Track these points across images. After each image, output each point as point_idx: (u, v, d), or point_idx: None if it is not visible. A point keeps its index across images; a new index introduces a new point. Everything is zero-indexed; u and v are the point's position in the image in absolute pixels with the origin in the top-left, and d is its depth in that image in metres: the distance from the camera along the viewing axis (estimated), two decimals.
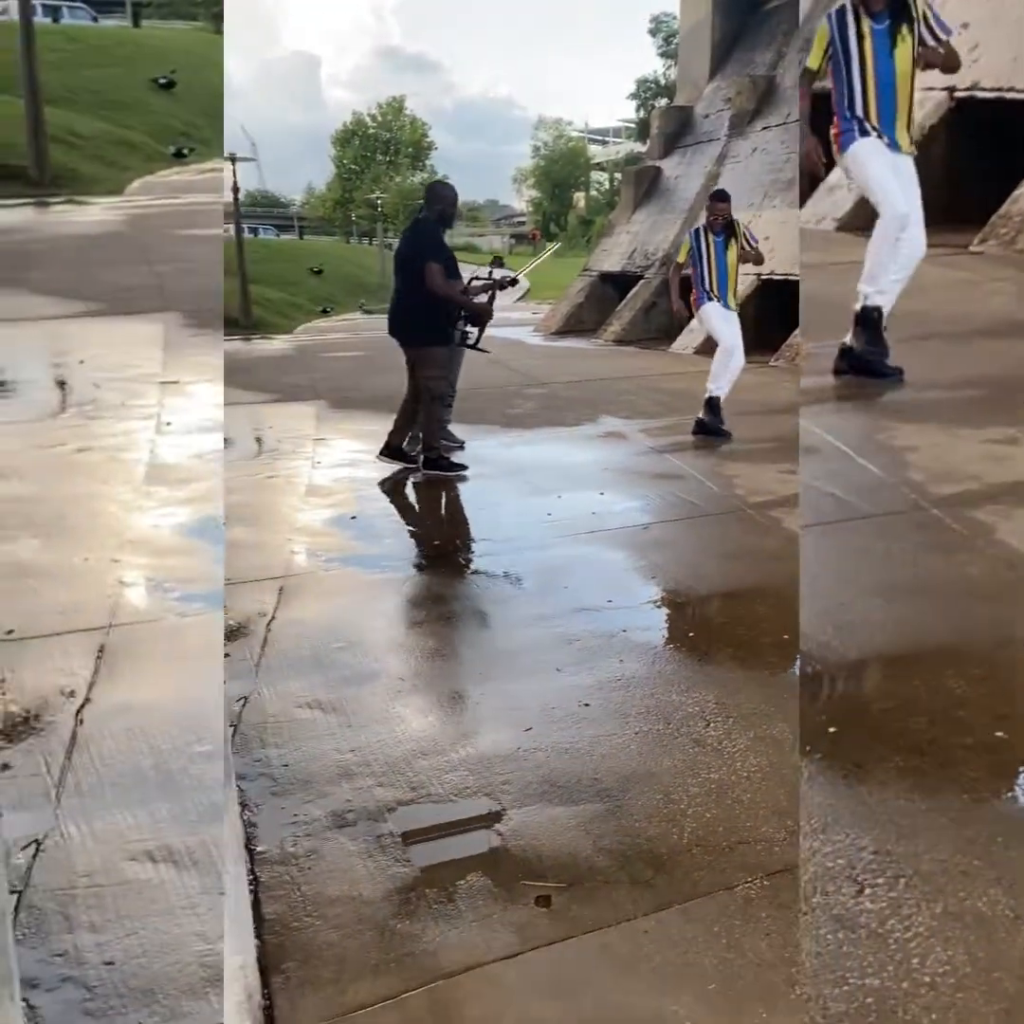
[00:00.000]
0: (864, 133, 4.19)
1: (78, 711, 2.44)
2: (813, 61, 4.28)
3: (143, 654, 2.81)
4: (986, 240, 6.68)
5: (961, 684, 2.34)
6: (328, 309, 20.69)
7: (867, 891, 1.74)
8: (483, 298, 5.35)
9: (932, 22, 4.14)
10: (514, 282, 5.69)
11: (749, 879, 1.94)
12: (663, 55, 35.26)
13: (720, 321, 5.95)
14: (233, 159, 17.32)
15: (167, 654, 2.86)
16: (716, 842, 2.05)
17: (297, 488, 4.96)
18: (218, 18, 24.16)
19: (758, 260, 6.14)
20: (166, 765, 2.21)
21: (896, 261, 4.34)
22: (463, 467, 5.19)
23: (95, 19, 23.40)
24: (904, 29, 4.09)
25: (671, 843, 2.06)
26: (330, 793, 2.26)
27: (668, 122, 13.59)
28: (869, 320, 4.45)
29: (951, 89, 7.97)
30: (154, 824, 2.01)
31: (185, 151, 15.59)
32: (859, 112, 4.18)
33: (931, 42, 4.13)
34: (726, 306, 5.90)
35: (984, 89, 7.74)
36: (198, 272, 8.10)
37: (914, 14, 4.10)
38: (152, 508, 3.84)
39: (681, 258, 6.01)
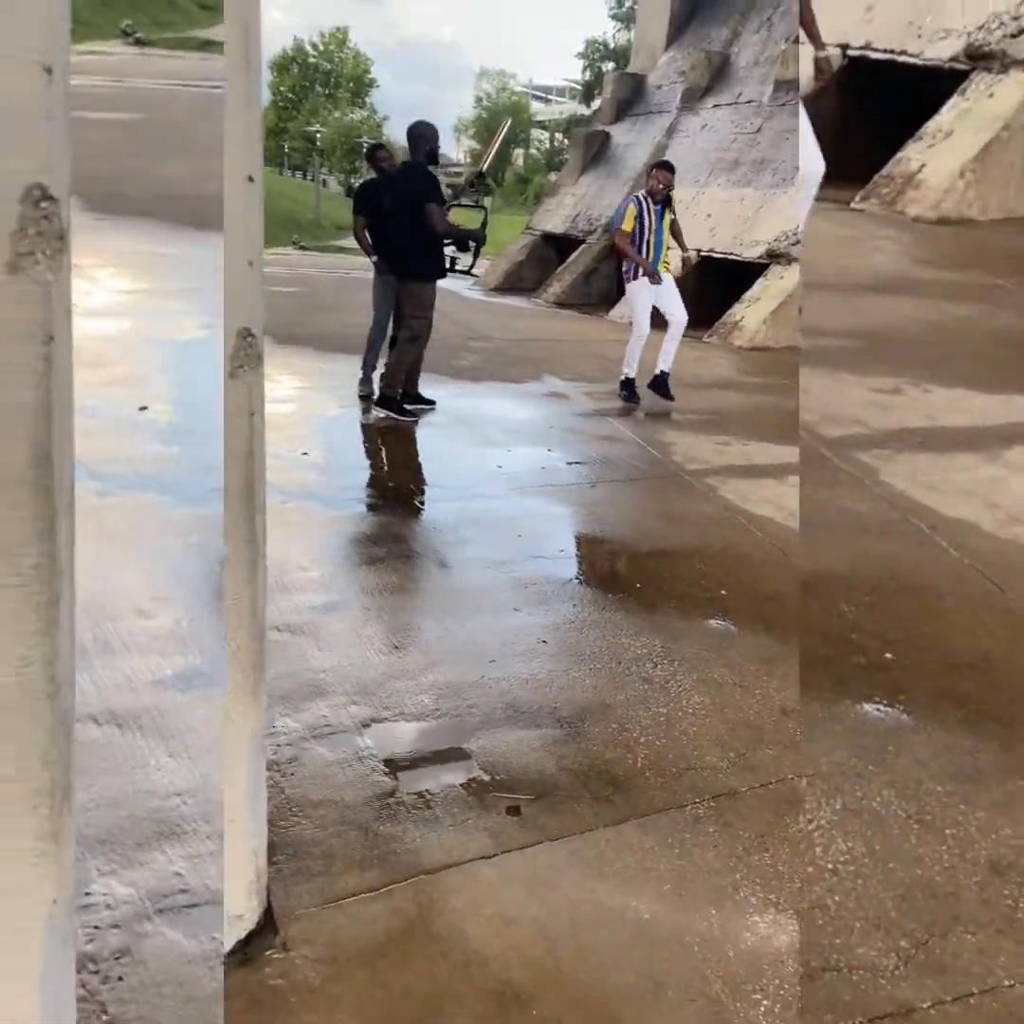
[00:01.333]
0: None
1: None
2: (626, 224, 6.07)
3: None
4: (867, 198, 6.97)
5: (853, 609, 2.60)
6: None
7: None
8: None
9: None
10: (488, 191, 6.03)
11: (697, 800, 2.15)
12: (614, 18, 35.04)
13: (643, 301, 6.09)
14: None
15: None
16: (667, 767, 2.26)
17: None
18: None
19: (679, 239, 6.33)
20: None
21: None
22: (413, 416, 5.25)
23: None
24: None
25: (626, 766, 2.25)
26: (306, 709, 2.37)
27: (621, 88, 13.62)
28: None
29: (845, 47, 8.17)
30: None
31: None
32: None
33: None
34: (656, 272, 6.05)
35: (877, 50, 7.95)
36: (91, 156, 7.79)
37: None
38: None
39: (627, 226, 6.05)
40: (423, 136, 5.30)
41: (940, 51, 7.43)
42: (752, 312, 8.39)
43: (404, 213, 5.19)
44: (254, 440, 1.33)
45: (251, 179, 1.20)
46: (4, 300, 0.78)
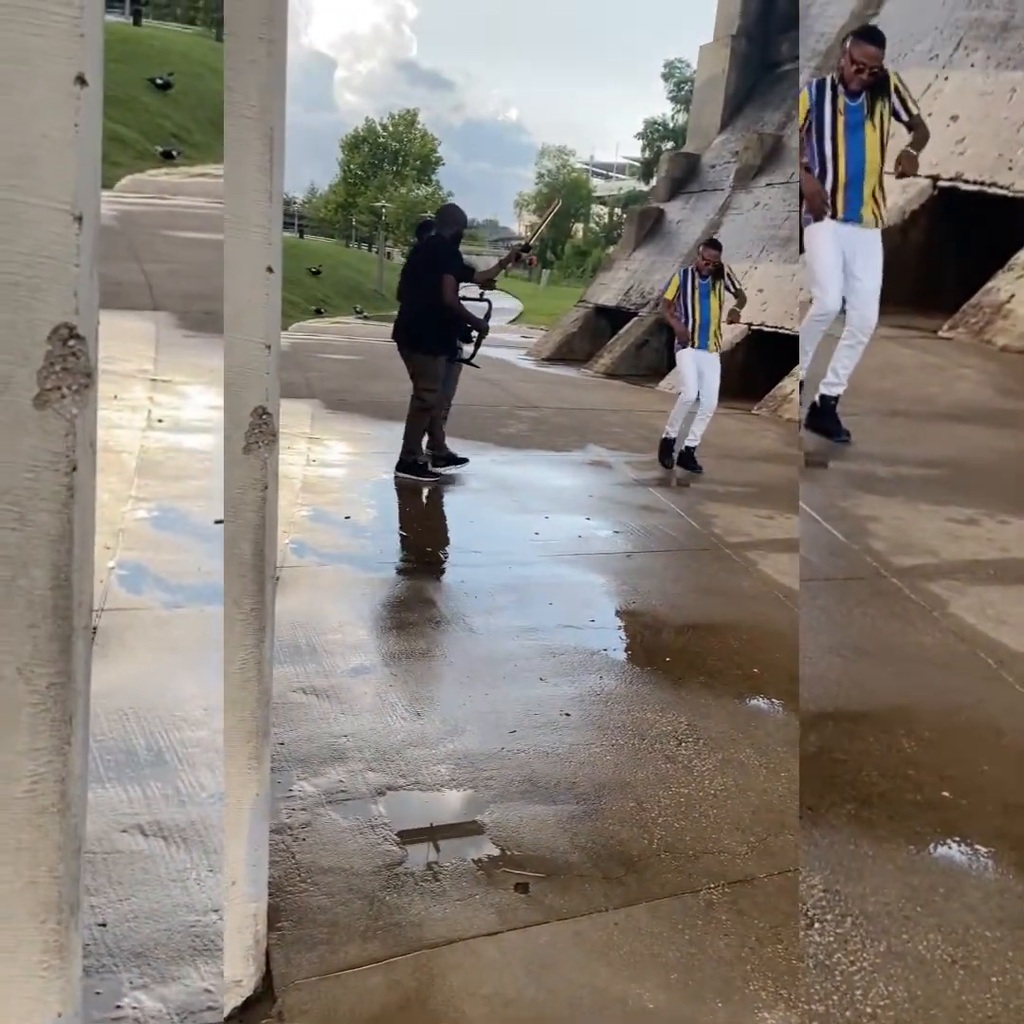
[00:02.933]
0: (820, 216, 4.46)
1: None
2: (801, 122, 4.55)
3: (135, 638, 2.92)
4: (956, 327, 7.01)
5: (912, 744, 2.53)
6: (321, 310, 20.78)
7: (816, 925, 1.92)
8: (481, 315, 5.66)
9: (905, 98, 4.39)
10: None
11: (712, 885, 2.10)
12: (673, 100, 36.03)
13: (691, 370, 6.22)
14: None
15: (160, 638, 2.97)
16: (683, 849, 2.21)
17: (292, 484, 5.08)
18: (218, 24, 24.36)
19: (738, 297, 6.36)
20: None
21: (843, 353, 4.64)
22: (435, 476, 5.40)
23: None
24: (878, 108, 4.35)
25: (642, 847, 2.21)
26: (324, 773, 2.39)
27: (676, 167, 13.97)
28: (824, 408, 4.76)
29: (935, 178, 8.38)
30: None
31: (174, 153, 15.67)
32: (828, 184, 4.42)
33: (903, 118, 4.40)
34: (704, 349, 6.18)
35: (967, 181, 8.13)
36: (186, 274, 8.19)
37: (889, 91, 4.35)
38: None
39: (669, 295, 6.28)
40: (453, 218, 5.58)
41: None
42: None
43: (420, 285, 5.35)
44: (267, 511, 1.39)
45: (270, 270, 1.29)
46: (31, 432, 0.84)
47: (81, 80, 0.83)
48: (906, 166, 4.36)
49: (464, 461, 5.67)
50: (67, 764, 0.89)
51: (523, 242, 5.94)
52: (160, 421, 5.51)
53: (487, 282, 5.71)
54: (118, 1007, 1.62)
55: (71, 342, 0.85)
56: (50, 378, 0.84)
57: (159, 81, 18.12)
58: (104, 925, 1.79)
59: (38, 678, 0.86)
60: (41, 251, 0.82)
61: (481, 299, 5.78)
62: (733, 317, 6.40)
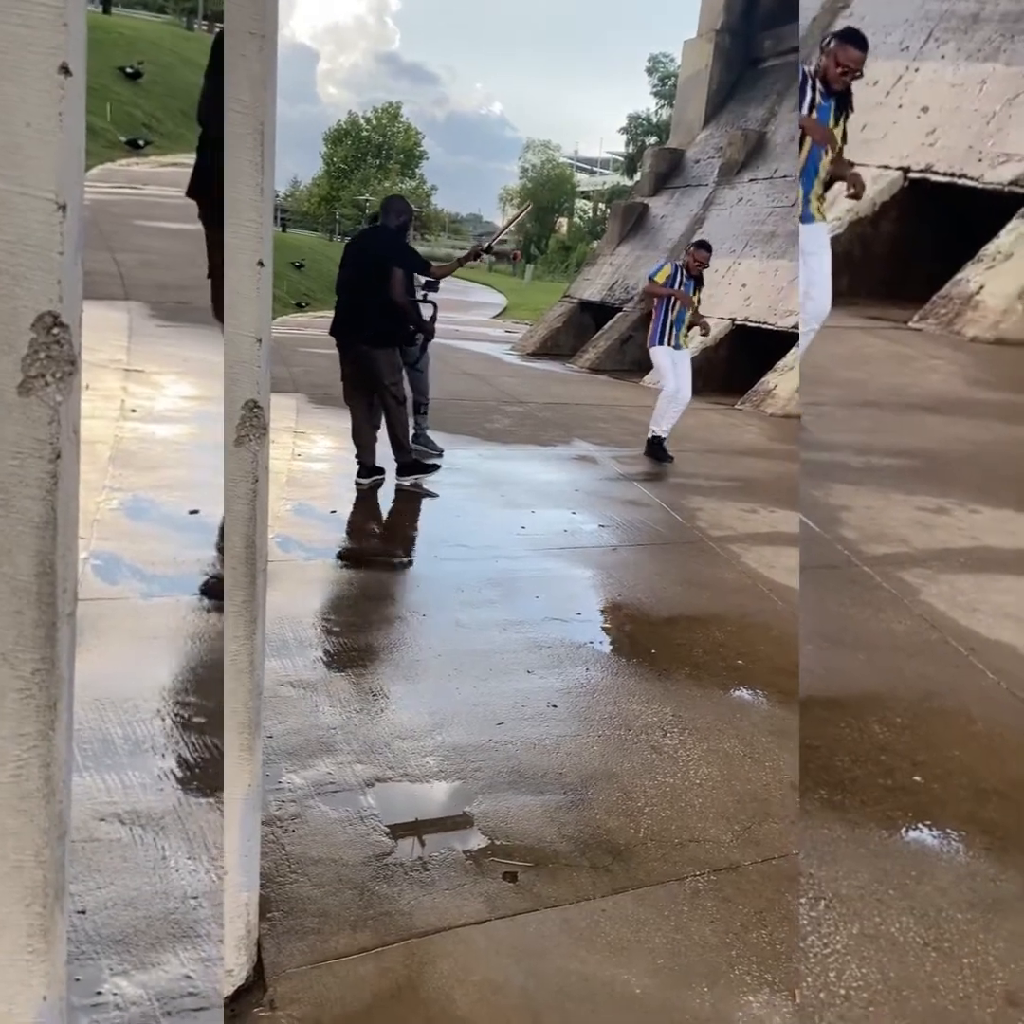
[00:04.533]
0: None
1: None
2: (659, 276, 5.47)
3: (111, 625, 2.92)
4: (926, 318, 7.09)
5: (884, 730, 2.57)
6: (303, 304, 20.68)
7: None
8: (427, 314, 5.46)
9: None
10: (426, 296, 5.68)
11: (698, 873, 2.12)
12: (657, 95, 36.08)
13: (667, 363, 6.28)
14: None
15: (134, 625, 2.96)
16: (669, 838, 2.24)
17: (277, 479, 5.06)
18: (189, 13, 24.08)
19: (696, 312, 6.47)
20: None
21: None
22: (436, 467, 5.35)
23: None
24: (840, 116, 4.63)
25: (628, 836, 2.23)
26: (313, 766, 2.39)
27: (660, 162, 14.00)
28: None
29: (906, 169, 8.44)
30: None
31: (140, 142, 15.50)
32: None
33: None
34: (677, 346, 6.26)
35: (937, 173, 8.20)
36: (159, 264, 8.12)
37: (849, 109, 4.64)
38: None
39: (660, 278, 6.30)
40: (399, 208, 5.26)
41: (1000, 175, 7.59)
42: (785, 381, 8.44)
43: (369, 274, 4.99)
44: (257, 503, 1.40)
45: (261, 264, 1.29)
46: (15, 419, 0.85)
47: (65, 70, 0.84)
48: (855, 185, 4.65)
49: (439, 452, 5.61)
50: (52, 750, 0.89)
51: (481, 246, 5.77)
52: (134, 411, 5.47)
53: (433, 280, 5.42)
54: (98, 993, 1.63)
55: (55, 330, 0.85)
56: (34, 365, 0.84)
57: (129, 70, 17.92)
58: (83, 912, 1.79)
59: (23, 664, 0.87)
60: (25, 239, 0.83)
61: (425, 301, 5.50)
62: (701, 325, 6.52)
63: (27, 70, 0.82)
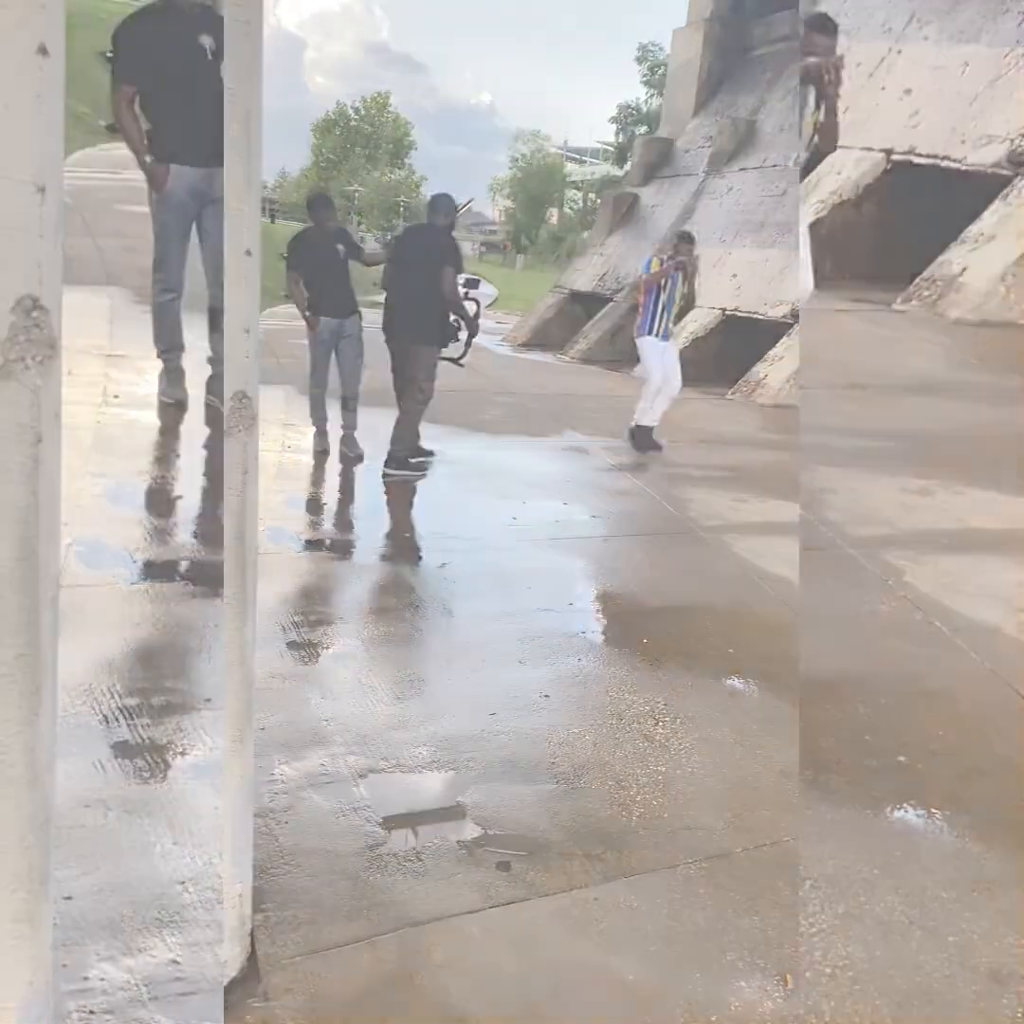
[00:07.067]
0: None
1: None
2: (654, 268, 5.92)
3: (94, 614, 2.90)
4: (910, 300, 7.06)
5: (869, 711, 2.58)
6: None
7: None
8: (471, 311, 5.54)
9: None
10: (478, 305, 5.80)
11: (690, 860, 2.13)
12: (647, 84, 35.91)
13: (654, 355, 6.27)
14: None
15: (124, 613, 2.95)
16: (661, 826, 2.24)
17: (267, 470, 5.04)
18: None
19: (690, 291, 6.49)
20: None
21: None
22: (422, 471, 5.31)
23: None
24: (819, 105, 4.21)
25: (620, 824, 2.24)
26: (306, 757, 2.39)
27: (650, 152, 13.95)
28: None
29: (889, 151, 8.39)
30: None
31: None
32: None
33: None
34: (664, 338, 6.26)
35: (920, 155, 8.15)
36: (142, 250, 8.00)
37: (829, 96, 4.23)
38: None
39: (654, 269, 6.29)
40: (446, 206, 5.32)
41: (983, 157, 7.56)
42: (775, 370, 8.44)
43: (419, 273, 5.10)
44: (247, 495, 1.39)
45: (249, 253, 1.28)
46: None
47: (43, 50, 0.82)
48: (824, 138, 4.17)
49: (432, 453, 5.60)
50: (36, 735, 0.89)
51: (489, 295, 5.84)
52: (116, 397, 5.43)
53: (474, 278, 5.60)
54: (85, 979, 1.63)
55: (35, 313, 0.84)
56: (14, 349, 0.83)
57: (109, 54, 17.74)
58: (70, 898, 1.78)
59: (5, 649, 0.86)
60: (4, 222, 0.82)
61: (468, 298, 5.58)
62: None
63: (4, 50, 0.80)
